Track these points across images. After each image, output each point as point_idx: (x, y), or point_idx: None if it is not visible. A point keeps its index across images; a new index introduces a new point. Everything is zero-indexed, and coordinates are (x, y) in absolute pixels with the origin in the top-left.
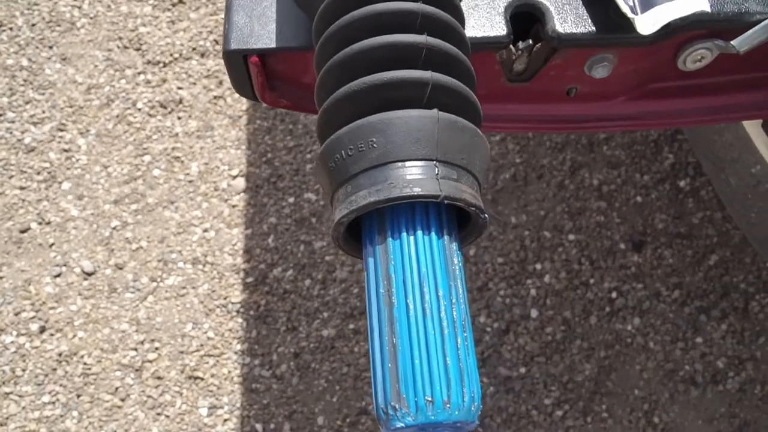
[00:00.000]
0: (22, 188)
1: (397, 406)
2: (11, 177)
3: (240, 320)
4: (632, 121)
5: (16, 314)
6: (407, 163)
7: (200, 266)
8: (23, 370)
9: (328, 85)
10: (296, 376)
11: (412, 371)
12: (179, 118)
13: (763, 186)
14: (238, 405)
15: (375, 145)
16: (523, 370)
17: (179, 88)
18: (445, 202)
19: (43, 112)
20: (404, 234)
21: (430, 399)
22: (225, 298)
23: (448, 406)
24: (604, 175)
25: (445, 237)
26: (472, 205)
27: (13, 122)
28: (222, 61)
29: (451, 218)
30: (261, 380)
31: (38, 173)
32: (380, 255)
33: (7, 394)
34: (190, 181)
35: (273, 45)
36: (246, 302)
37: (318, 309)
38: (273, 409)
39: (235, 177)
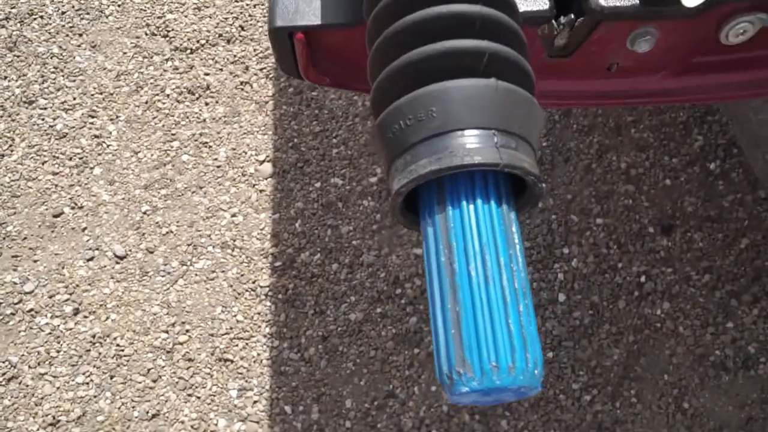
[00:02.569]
0: (54, 174)
1: (461, 371)
2: (44, 163)
3: (268, 304)
4: (673, 96)
5: (51, 297)
6: (467, 132)
7: (229, 250)
8: (58, 351)
9: (383, 55)
10: (324, 359)
11: (476, 337)
12: (206, 103)
13: None
14: (268, 387)
15: (434, 115)
16: (551, 354)
17: (206, 74)
18: (505, 170)
19: (74, 98)
20: (464, 203)
21: (495, 364)
22: (254, 282)
23: (513, 371)
24: (632, 158)
25: (504, 205)
26: (530, 173)
27: (45, 109)
28: (247, 47)
29: (509, 187)
30: (290, 363)
31: (70, 159)
32: (440, 224)
33: (42, 374)
34: (218, 167)
35: (318, 22)
36: (274, 286)
37: (345, 293)
38: (302, 391)
39: (262, 162)
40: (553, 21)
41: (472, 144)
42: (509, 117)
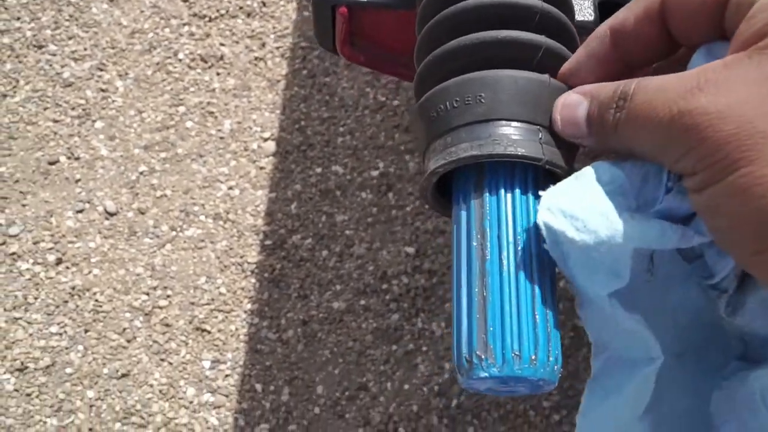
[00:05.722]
0: (55, 121)
1: (483, 356)
2: (46, 109)
3: (253, 281)
4: None
5: (35, 243)
6: (513, 123)
7: (221, 222)
8: (35, 298)
9: (435, 37)
10: (302, 343)
11: (501, 324)
12: (218, 74)
13: None
14: (241, 363)
15: (482, 101)
16: None
17: (222, 44)
18: (547, 166)
19: (85, 49)
20: (502, 191)
21: (517, 353)
22: (241, 257)
23: (534, 362)
24: None
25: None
26: (570, 173)
27: (54, 55)
28: (267, 24)
29: (545, 184)
30: (266, 342)
31: (73, 108)
32: (475, 209)
33: (16, 319)
34: (221, 138)
35: None
36: (261, 264)
37: (331, 281)
38: (275, 371)
39: (266, 140)
40: None
41: (516, 135)
42: None
